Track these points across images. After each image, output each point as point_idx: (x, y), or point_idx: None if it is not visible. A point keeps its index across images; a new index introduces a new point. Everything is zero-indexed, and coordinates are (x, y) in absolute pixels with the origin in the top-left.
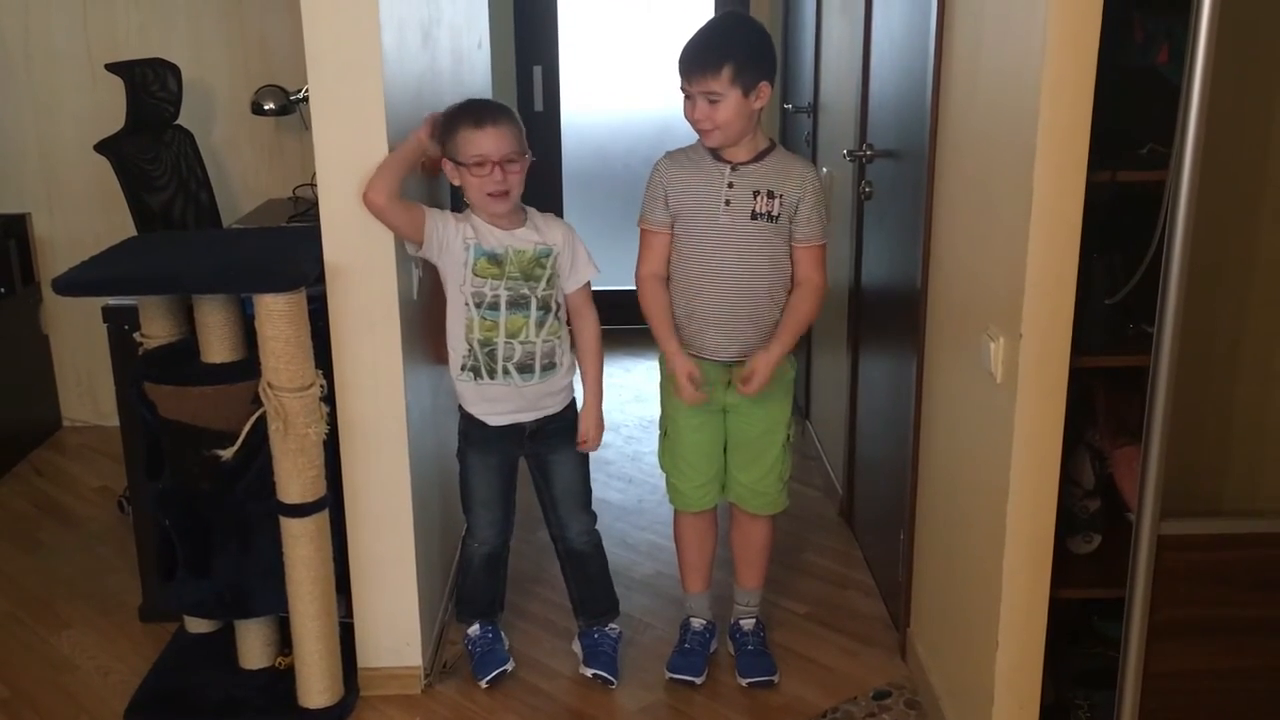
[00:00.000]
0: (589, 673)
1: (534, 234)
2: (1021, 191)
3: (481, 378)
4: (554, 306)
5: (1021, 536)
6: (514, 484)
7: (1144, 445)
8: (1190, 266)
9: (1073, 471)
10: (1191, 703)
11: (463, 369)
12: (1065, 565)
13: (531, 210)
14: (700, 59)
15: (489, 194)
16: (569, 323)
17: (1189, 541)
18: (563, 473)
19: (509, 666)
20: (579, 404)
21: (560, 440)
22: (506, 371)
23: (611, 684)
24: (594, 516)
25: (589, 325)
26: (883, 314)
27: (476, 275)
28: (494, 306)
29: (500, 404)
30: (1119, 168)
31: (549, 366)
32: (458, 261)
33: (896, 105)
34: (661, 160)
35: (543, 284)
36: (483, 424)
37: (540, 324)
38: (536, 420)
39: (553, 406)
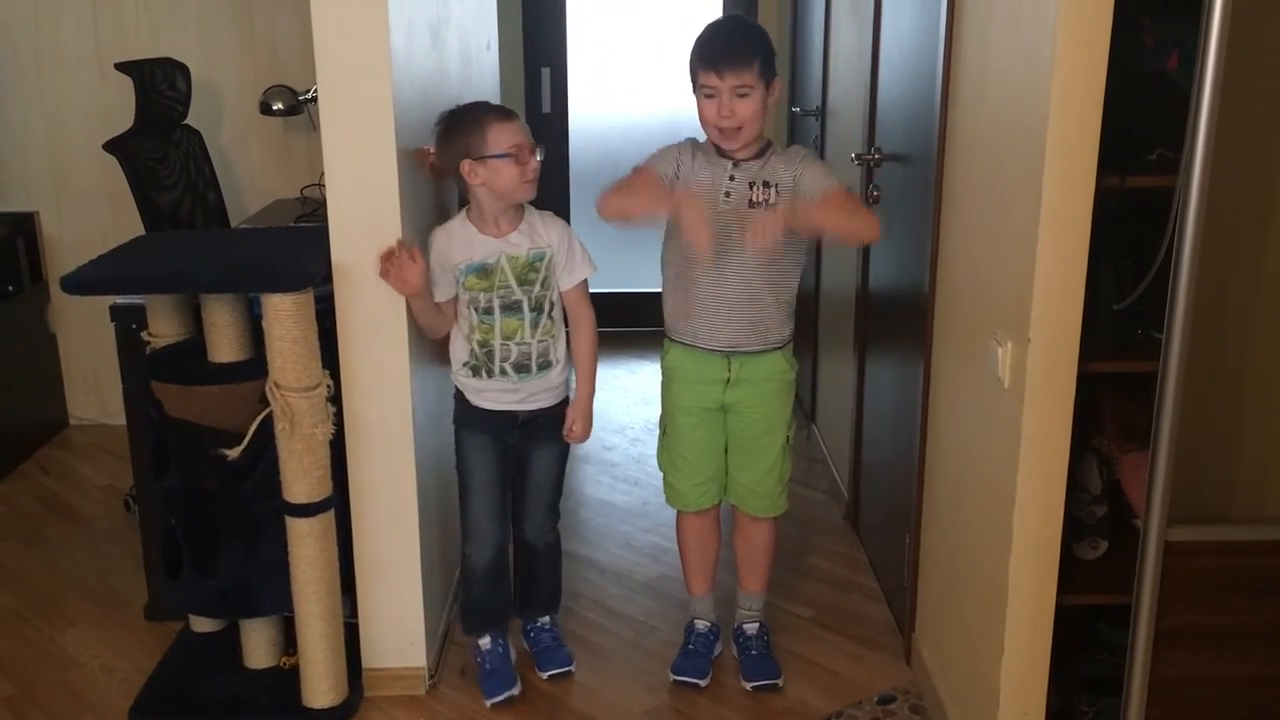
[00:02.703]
0: (545, 675)
1: (527, 237)
2: (1030, 196)
3: (480, 376)
4: (548, 306)
5: (1028, 542)
6: (509, 474)
7: (1151, 451)
8: (1199, 272)
9: (1080, 477)
10: (1197, 710)
11: (464, 366)
12: (1072, 571)
13: (530, 209)
14: (735, 51)
15: (528, 181)
16: (566, 320)
17: (1196, 548)
18: (540, 468)
19: (515, 690)
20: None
21: (548, 435)
22: (504, 371)
23: (570, 670)
24: (557, 517)
25: (585, 323)
26: (890, 318)
27: (466, 289)
28: (488, 311)
29: (499, 395)
30: (1128, 173)
31: (545, 365)
32: (456, 280)
33: (905, 109)
34: (685, 141)
35: (538, 286)
36: (478, 408)
37: (535, 325)
38: (530, 411)
39: (547, 400)
